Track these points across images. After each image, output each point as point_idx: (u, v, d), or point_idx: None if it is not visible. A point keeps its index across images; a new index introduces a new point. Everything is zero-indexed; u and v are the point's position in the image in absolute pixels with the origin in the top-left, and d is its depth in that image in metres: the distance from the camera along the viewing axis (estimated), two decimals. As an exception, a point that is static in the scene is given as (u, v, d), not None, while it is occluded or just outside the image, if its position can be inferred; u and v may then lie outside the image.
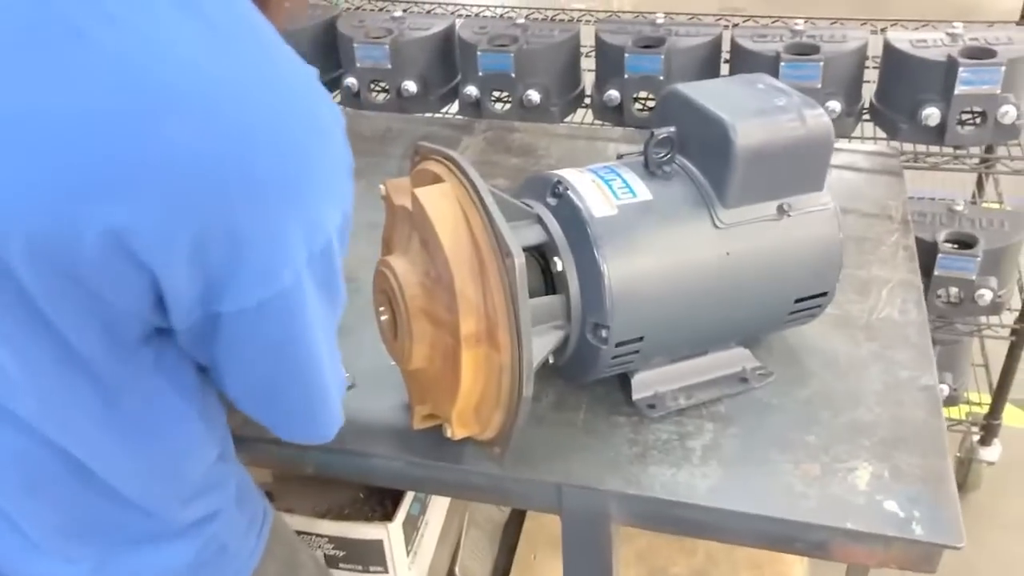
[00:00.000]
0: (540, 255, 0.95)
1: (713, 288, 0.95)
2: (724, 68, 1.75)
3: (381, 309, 0.95)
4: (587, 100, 1.84)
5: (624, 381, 1.03)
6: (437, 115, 1.80)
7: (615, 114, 1.74)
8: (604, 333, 0.92)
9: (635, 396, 1.02)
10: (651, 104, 1.75)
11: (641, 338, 0.94)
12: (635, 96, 1.73)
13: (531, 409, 1.01)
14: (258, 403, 0.78)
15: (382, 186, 0.97)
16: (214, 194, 0.61)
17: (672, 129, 0.96)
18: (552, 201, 0.95)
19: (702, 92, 0.98)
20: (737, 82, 1.02)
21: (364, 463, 1.02)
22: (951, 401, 1.90)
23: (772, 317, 1.03)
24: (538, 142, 1.57)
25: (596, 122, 1.79)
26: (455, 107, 1.85)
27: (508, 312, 0.82)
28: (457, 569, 1.51)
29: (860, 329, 1.13)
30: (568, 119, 1.83)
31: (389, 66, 1.76)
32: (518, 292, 0.81)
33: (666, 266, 0.93)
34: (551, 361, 0.96)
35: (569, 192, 0.93)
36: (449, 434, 0.91)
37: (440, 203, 0.86)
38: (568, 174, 0.97)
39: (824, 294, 1.02)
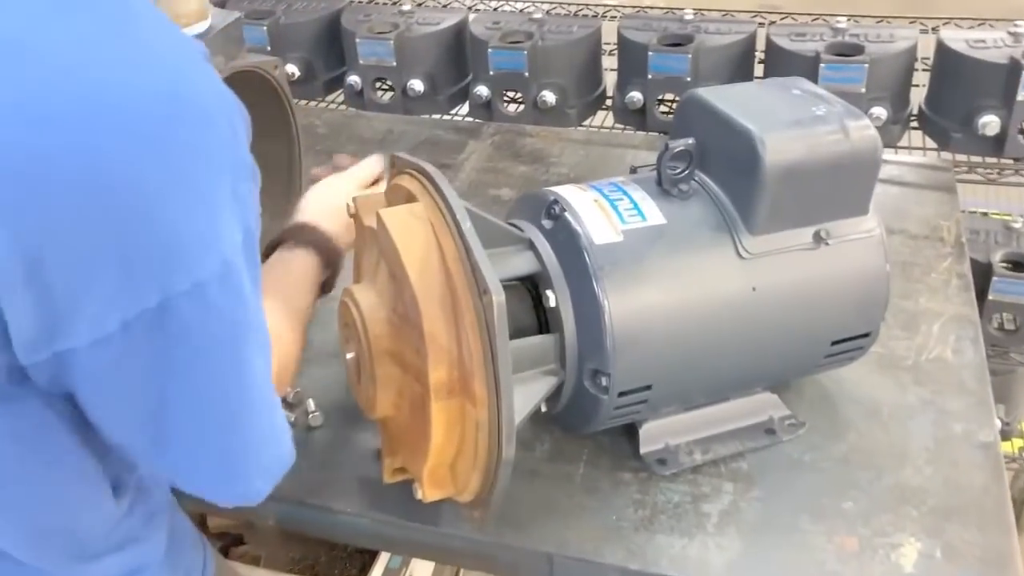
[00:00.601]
0: (532, 286, 0.81)
1: (736, 329, 0.81)
2: (759, 70, 1.59)
3: (347, 345, 0.82)
4: (608, 102, 1.70)
5: (631, 429, 0.89)
6: (445, 117, 1.67)
7: (637, 117, 1.59)
8: (604, 381, 0.78)
9: (643, 449, 0.88)
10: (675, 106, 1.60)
11: (648, 387, 0.80)
12: (659, 98, 1.58)
13: (522, 459, 0.88)
14: (152, 448, 0.62)
15: (350, 203, 0.83)
16: (46, 200, 0.48)
17: (691, 141, 0.82)
18: (547, 223, 0.81)
19: (727, 98, 0.83)
20: (769, 87, 0.88)
21: (328, 518, 0.89)
22: (1004, 435, 1.73)
23: (804, 361, 0.89)
24: (550, 148, 1.43)
25: (616, 126, 1.65)
26: (465, 108, 1.71)
27: (485, 359, 0.69)
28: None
29: (906, 372, 0.98)
30: (587, 122, 1.69)
31: (394, 63, 1.63)
32: (496, 336, 0.67)
33: (679, 303, 0.79)
34: (543, 409, 0.82)
35: (567, 214, 0.79)
36: (419, 496, 0.78)
37: (408, 227, 0.72)
38: (567, 192, 0.83)
39: (866, 335, 0.88)
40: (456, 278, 0.70)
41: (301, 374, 1.02)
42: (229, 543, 1.15)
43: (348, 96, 1.73)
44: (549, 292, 0.78)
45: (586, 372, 0.79)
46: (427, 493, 0.77)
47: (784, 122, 0.80)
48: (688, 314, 0.79)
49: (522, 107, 1.64)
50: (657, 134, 1.53)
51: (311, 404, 0.96)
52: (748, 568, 0.79)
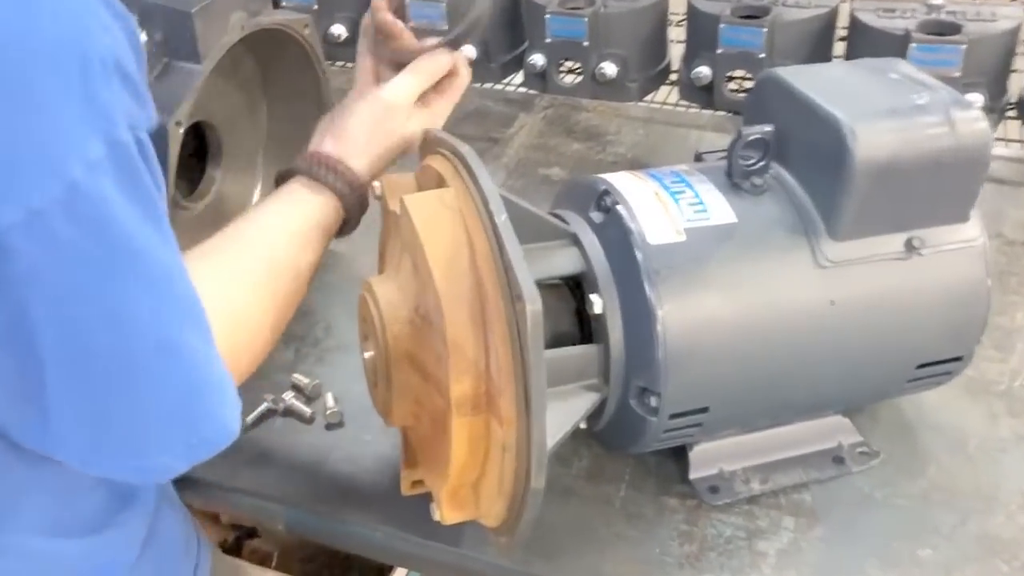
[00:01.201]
0: (576, 288, 0.71)
1: (809, 348, 0.70)
2: (839, 48, 1.46)
3: (365, 343, 0.73)
4: (673, 77, 1.58)
5: (680, 449, 0.79)
6: (496, 86, 1.56)
7: (704, 95, 1.47)
8: (653, 401, 0.68)
9: (693, 475, 0.78)
10: (748, 85, 1.47)
11: (704, 409, 0.70)
12: (729, 75, 1.46)
13: (557, 476, 0.79)
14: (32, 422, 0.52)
15: (376, 183, 0.74)
16: None
17: (768, 128, 0.71)
18: (597, 216, 0.71)
19: (812, 80, 0.72)
20: (861, 68, 0.76)
21: (340, 529, 0.80)
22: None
23: (884, 385, 0.78)
24: (607, 125, 1.32)
25: (681, 103, 1.53)
26: (519, 77, 1.60)
27: (515, 375, 0.59)
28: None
29: (999, 398, 0.86)
30: (648, 98, 1.57)
31: (445, 27, 1.52)
32: (529, 350, 0.57)
33: (745, 316, 0.68)
34: (583, 426, 0.73)
35: (619, 207, 0.69)
36: (437, 517, 0.69)
37: (435, 217, 0.63)
38: (621, 181, 0.72)
39: (958, 359, 0.76)
40: (487, 279, 0.60)
41: (322, 362, 0.94)
42: (243, 535, 1.08)
43: (396, 60, 1.63)
44: (595, 296, 0.68)
45: (633, 389, 0.69)
46: (446, 515, 0.68)
47: (878, 111, 0.69)
48: (755, 329, 0.68)
49: (580, 78, 1.53)
50: (725, 114, 1.41)
51: (330, 399, 0.88)
52: (807, 621, 0.69)
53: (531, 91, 1.50)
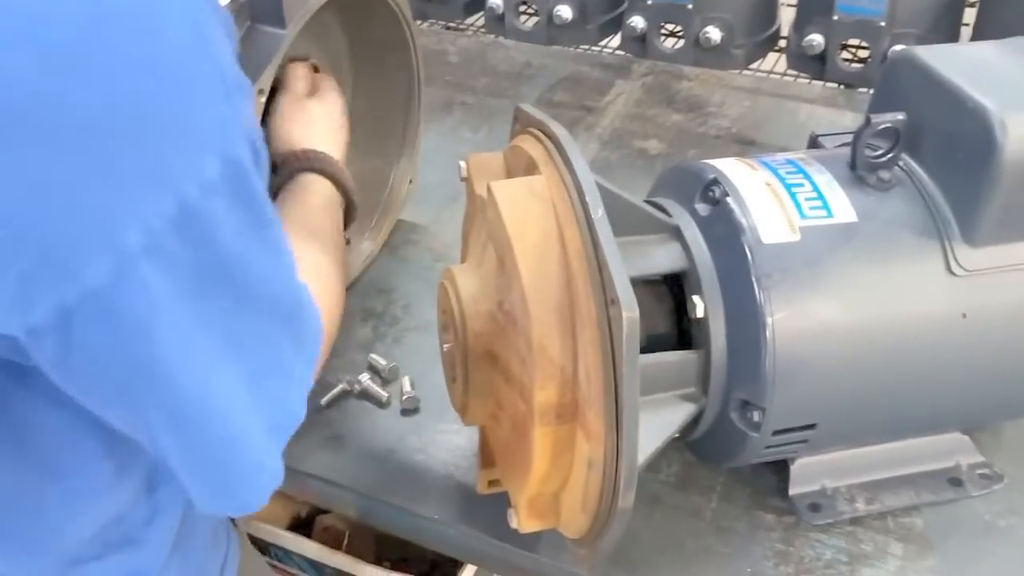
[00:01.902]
0: (676, 287, 0.65)
1: (934, 364, 0.63)
2: (969, 15, 1.34)
3: (444, 334, 0.68)
4: (782, 43, 1.48)
5: (779, 460, 0.73)
6: (592, 49, 1.49)
7: (815, 64, 1.37)
8: (756, 416, 0.62)
9: (793, 490, 0.71)
10: (863, 55, 1.37)
11: (812, 426, 0.64)
12: (844, 43, 1.36)
13: (644, 482, 0.74)
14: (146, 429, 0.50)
15: (462, 163, 0.69)
16: None
17: (900, 116, 0.63)
18: (703, 209, 0.65)
19: (955, 61, 0.64)
20: (1013, 50, 0.67)
21: (413, 522, 0.77)
22: None
23: (1014, 405, 0.70)
24: (710, 95, 1.24)
25: (789, 73, 1.43)
26: (617, 40, 1.53)
27: (606, 386, 0.54)
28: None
29: None
30: (755, 65, 1.48)
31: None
32: (623, 361, 0.52)
33: (864, 326, 0.61)
34: (676, 435, 0.67)
35: (729, 199, 0.63)
36: (514, 524, 0.64)
37: (524, 207, 0.57)
38: (731, 169, 0.66)
39: (1104, 380, 0.68)
40: (579, 279, 0.55)
41: (400, 343, 0.90)
42: (315, 511, 1.06)
43: (488, 20, 1.57)
44: (696, 298, 0.61)
45: (734, 401, 0.63)
46: (523, 524, 0.64)
47: (1034, 100, 0.60)
48: (874, 341, 0.62)
49: (681, 43, 1.44)
50: (837, 86, 1.32)
51: (407, 383, 0.84)
52: (916, 664, 0.63)
53: (629, 55, 1.43)
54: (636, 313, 0.51)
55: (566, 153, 0.58)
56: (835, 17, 1.31)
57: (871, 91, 1.19)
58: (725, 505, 0.73)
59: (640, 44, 1.46)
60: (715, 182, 0.64)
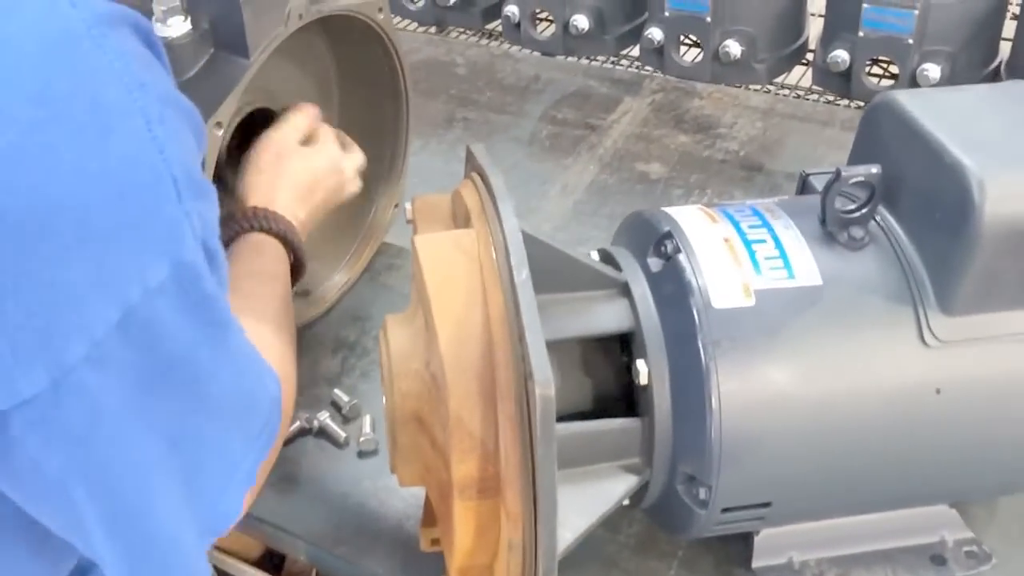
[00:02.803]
0: (624, 344, 0.60)
1: (905, 441, 0.58)
2: (1009, 29, 1.26)
3: (383, 386, 0.64)
4: (810, 56, 1.41)
5: (748, 525, 0.68)
6: (606, 64, 1.44)
7: (840, 82, 1.30)
8: (702, 493, 0.57)
9: (756, 563, 0.66)
10: (894, 70, 1.30)
11: (766, 504, 0.59)
12: (873, 60, 1.29)
13: (602, 543, 0.70)
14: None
15: (408, 205, 0.65)
16: None
17: (874, 170, 0.57)
18: (654, 263, 0.60)
19: (937, 109, 0.58)
20: (1006, 97, 0.61)
21: (356, 571, 0.73)
22: None
23: (1001, 482, 0.64)
24: (722, 115, 1.18)
25: (814, 89, 1.36)
26: (634, 52, 1.47)
27: (523, 466, 0.50)
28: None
29: None
30: (780, 79, 1.42)
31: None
32: (539, 442, 0.48)
33: (824, 401, 0.56)
34: (625, 503, 0.62)
35: (681, 257, 0.58)
36: (447, 593, 0.61)
37: (448, 266, 0.53)
38: (689, 220, 0.61)
39: (1102, 459, 0.62)
40: (500, 347, 0.51)
41: (367, 378, 0.87)
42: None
43: (505, 28, 1.52)
44: (641, 363, 0.57)
45: (680, 475, 0.58)
46: (455, 594, 0.60)
47: (1018, 157, 0.54)
48: (836, 416, 0.56)
49: (700, 57, 1.38)
50: (859, 108, 1.25)
51: (367, 423, 0.81)
52: None
53: (642, 71, 1.37)
54: (551, 391, 0.47)
55: (497, 205, 0.54)
56: (861, 34, 1.23)
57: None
58: (685, 573, 0.69)
59: (658, 56, 1.40)
60: (668, 235, 0.59)
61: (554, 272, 0.57)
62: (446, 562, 0.61)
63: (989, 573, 0.66)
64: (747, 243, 0.59)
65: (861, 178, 0.57)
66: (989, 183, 0.53)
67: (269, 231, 0.73)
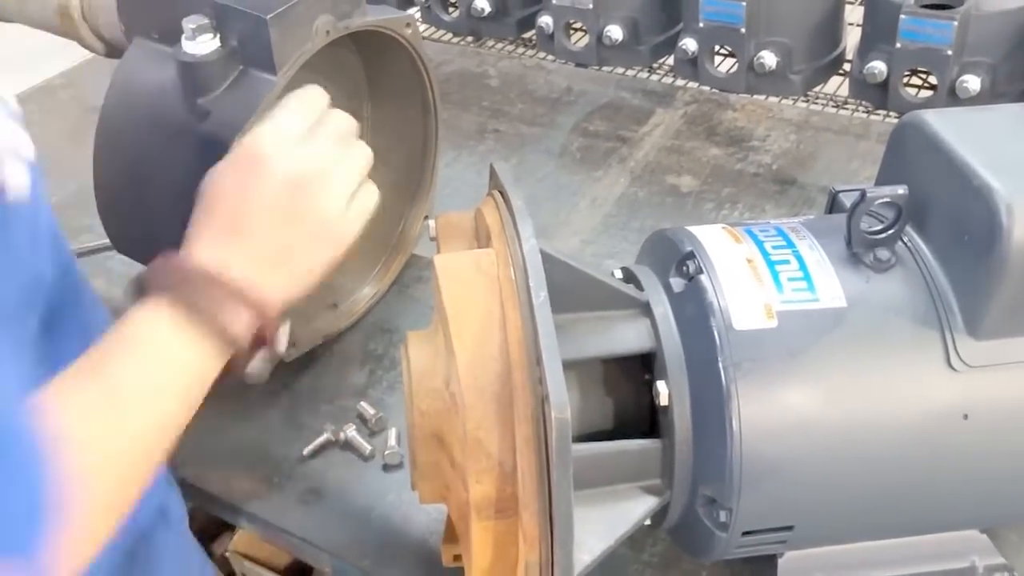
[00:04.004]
0: (645, 364, 0.60)
1: (931, 467, 0.57)
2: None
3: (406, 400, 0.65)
4: (847, 67, 1.39)
5: (773, 547, 0.67)
6: (638, 75, 1.43)
7: (878, 93, 1.28)
8: (723, 516, 0.56)
9: (779, 586, 0.65)
10: (933, 81, 1.28)
11: (788, 527, 0.58)
12: (909, 70, 1.26)
13: (626, 560, 0.70)
14: None
15: (431, 222, 0.65)
16: None
17: (901, 190, 0.56)
18: (676, 283, 0.60)
19: (967, 129, 0.57)
20: (1039, 116, 0.60)
21: (387, 589, 0.74)
22: None
23: (1032, 509, 0.63)
24: (755, 128, 1.17)
25: (850, 101, 1.35)
26: (671, 61, 1.46)
27: (539, 488, 0.50)
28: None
29: None
30: (816, 89, 1.40)
31: (590, 5, 1.40)
32: (554, 466, 0.48)
33: (847, 425, 0.55)
34: (647, 523, 0.62)
35: (703, 277, 0.57)
36: (467, 612, 0.61)
37: (468, 287, 0.53)
38: (712, 239, 0.60)
39: None
40: (517, 369, 0.51)
41: (393, 390, 0.87)
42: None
43: (539, 39, 1.52)
44: (661, 384, 0.56)
45: (700, 497, 0.58)
46: (476, 611, 0.60)
47: (1051, 180, 0.53)
48: (859, 441, 0.55)
49: (734, 68, 1.37)
50: (898, 119, 1.23)
51: (392, 436, 0.81)
52: None
53: (676, 83, 1.36)
54: (567, 414, 0.47)
55: (517, 226, 0.54)
56: (898, 45, 1.21)
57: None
58: (709, 594, 0.68)
59: (692, 67, 1.39)
60: (691, 255, 0.59)
61: (575, 291, 0.57)
62: (466, 579, 0.62)
63: (1022, 600, 0.65)
64: (770, 264, 0.58)
65: (888, 199, 0.56)
66: (1018, 207, 0.52)
67: (180, 304, 0.53)
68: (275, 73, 0.74)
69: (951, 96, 1.24)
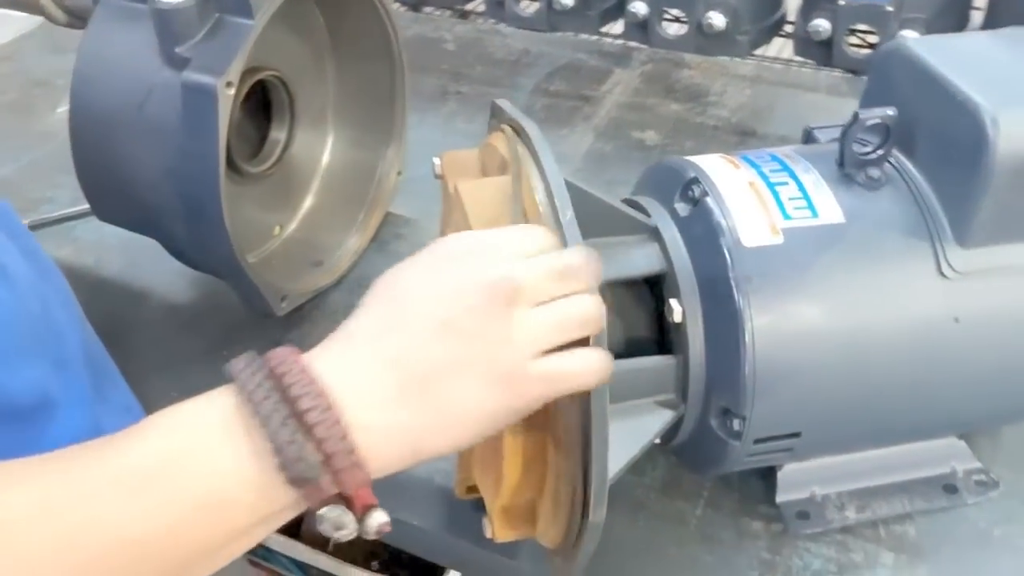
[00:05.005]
0: (654, 287, 0.63)
1: (925, 370, 0.60)
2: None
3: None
4: (788, 28, 1.44)
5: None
6: (592, 37, 1.46)
7: (822, 51, 1.33)
8: (736, 424, 0.59)
9: (780, 497, 0.69)
10: (872, 40, 1.33)
11: (796, 434, 0.61)
12: (851, 29, 1.32)
13: (627, 487, 0.72)
14: None
15: (436, 160, 0.67)
16: None
17: (890, 112, 0.60)
18: (682, 208, 0.62)
19: (948, 54, 0.61)
20: (1008, 41, 0.64)
21: (398, 528, 0.74)
22: None
23: (1011, 410, 0.67)
24: (710, 84, 1.21)
25: (795, 59, 1.40)
26: (619, 27, 1.49)
27: (573, 397, 0.52)
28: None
29: None
30: (760, 51, 1.44)
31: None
32: (591, 373, 0.50)
33: (850, 332, 0.59)
34: (656, 442, 0.65)
35: (709, 200, 0.60)
36: (488, 534, 0.62)
37: (493, 210, 0.55)
38: (712, 166, 0.63)
39: (1105, 385, 0.65)
40: (547, 286, 0.53)
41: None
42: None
43: (489, 5, 1.53)
44: (674, 302, 0.59)
45: (714, 408, 0.61)
46: (497, 533, 0.62)
47: (1029, 94, 0.58)
48: (861, 347, 0.59)
49: (684, 30, 1.41)
50: (842, 74, 1.28)
51: (389, 384, 0.82)
52: None
53: (630, 44, 1.40)
54: (603, 323, 0.49)
55: (536, 152, 0.56)
56: (841, 2, 1.27)
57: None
58: (711, 512, 0.71)
59: (642, 31, 1.42)
60: (695, 181, 0.61)
61: (587, 217, 0.59)
62: (488, 504, 0.63)
63: (997, 498, 0.70)
64: (771, 185, 0.61)
65: (877, 120, 0.60)
66: (1003, 119, 0.56)
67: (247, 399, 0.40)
68: (252, 17, 0.74)
69: (891, 51, 1.30)
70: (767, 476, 0.71)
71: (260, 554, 0.97)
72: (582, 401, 0.51)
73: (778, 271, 0.58)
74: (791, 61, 1.40)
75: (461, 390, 0.43)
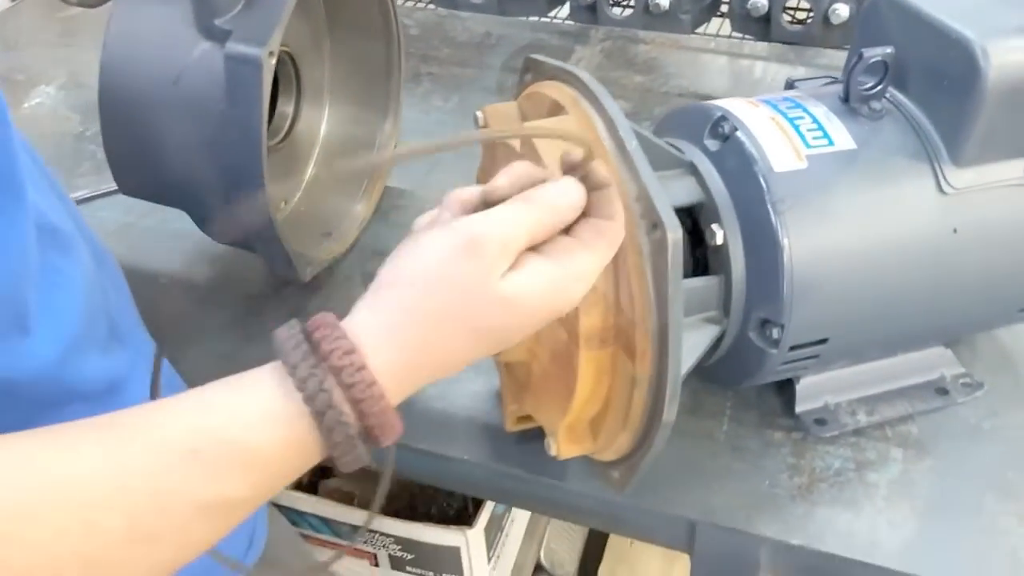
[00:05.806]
0: (689, 219, 0.69)
1: (929, 277, 0.69)
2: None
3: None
4: (724, 8, 1.54)
5: (780, 384, 0.78)
6: (544, 19, 1.53)
7: (759, 26, 1.42)
8: (775, 333, 0.66)
9: (799, 408, 0.77)
10: (802, 17, 1.44)
11: (824, 340, 0.69)
12: (786, 6, 1.42)
13: (658, 413, 0.78)
14: None
15: (479, 113, 0.72)
16: None
17: (889, 50, 0.68)
18: (712, 144, 0.69)
19: (934, -2, 0.70)
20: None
21: (442, 467, 0.80)
22: None
23: (995, 316, 0.77)
24: (667, 57, 1.29)
25: (734, 36, 1.49)
26: (565, 10, 1.56)
27: (648, 308, 0.58)
28: (543, 555, 1.30)
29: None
30: (700, 30, 1.53)
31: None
32: (669, 281, 0.56)
33: (868, 244, 0.67)
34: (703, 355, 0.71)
35: (739, 133, 0.67)
36: (553, 452, 0.68)
37: (559, 145, 0.61)
38: (735, 107, 0.70)
39: (1073, 286, 0.75)
40: (620, 208, 0.58)
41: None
42: (318, 476, 1.08)
43: (438, -6, 1.58)
44: (715, 226, 0.66)
45: (753, 321, 0.67)
46: (563, 450, 0.67)
47: (1008, 28, 0.66)
48: (877, 258, 0.67)
49: (631, 11, 1.49)
50: (785, 46, 1.38)
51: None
52: (927, 552, 0.69)
53: (583, 24, 1.46)
54: (680, 234, 0.55)
55: (594, 92, 0.61)
56: (778, -21, 1.36)
57: (817, 49, 1.26)
58: (736, 427, 0.78)
59: (590, 12, 1.49)
60: (723, 118, 0.68)
61: (634, 153, 0.65)
62: (550, 426, 0.68)
63: (983, 397, 0.79)
64: (789, 120, 0.68)
65: (878, 58, 0.68)
66: (991, 50, 0.64)
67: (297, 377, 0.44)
68: None
69: (824, 23, 1.40)
70: (782, 392, 0.79)
71: (290, 519, 0.99)
72: (659, 309, 0.57)
73: (806, 193, 0.65)
74: (731, 37, 1.49)
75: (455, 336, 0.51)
